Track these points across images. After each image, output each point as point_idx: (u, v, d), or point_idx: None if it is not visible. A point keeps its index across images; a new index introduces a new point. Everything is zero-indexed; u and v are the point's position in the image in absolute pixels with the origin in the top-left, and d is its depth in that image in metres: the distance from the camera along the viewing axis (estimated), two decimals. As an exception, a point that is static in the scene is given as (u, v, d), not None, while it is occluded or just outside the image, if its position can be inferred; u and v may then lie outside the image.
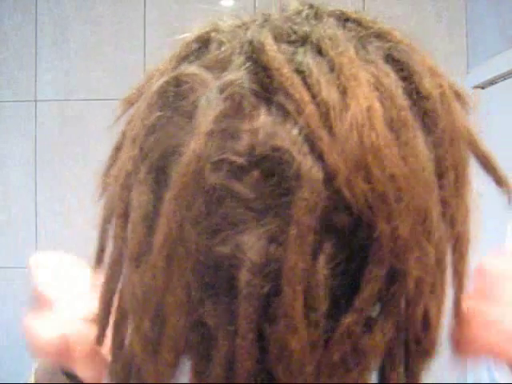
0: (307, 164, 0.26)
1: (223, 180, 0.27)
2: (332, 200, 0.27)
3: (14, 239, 1.78)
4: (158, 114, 0.30)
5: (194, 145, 0.27)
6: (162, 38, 1.67)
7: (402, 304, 0.29)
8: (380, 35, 0.31)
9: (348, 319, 0.28)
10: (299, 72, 0.28)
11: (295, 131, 0.27)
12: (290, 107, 0.27)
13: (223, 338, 0.29)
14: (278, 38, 0.29)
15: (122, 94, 0.41)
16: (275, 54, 0.28)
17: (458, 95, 0.33)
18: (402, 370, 0.31)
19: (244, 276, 0.27)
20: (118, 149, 0.35)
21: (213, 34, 0.31)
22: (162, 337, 0.29)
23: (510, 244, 1.22)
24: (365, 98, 0.27)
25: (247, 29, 0.31)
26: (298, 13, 0.31)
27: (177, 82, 0.30)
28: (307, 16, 0.31)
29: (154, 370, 0.30)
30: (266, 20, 0.32)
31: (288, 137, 0.27)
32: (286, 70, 0.28)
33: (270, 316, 0.28)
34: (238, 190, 0.27)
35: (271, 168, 0.27)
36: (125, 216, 0.31)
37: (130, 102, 0.35)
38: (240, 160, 0.27)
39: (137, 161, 0.30)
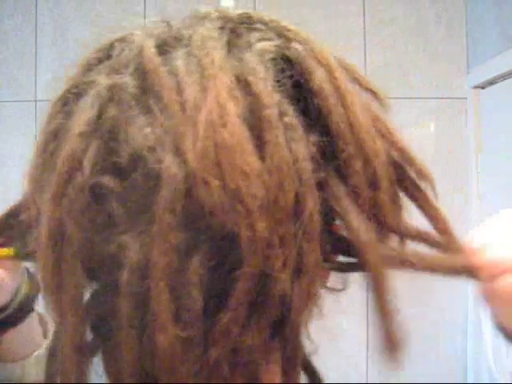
0: (167, 162, 0.26)
1: (103, 180, 0.28)
2: (198, 200, 0.27)
3: (14, 239, 1.78)
4: (56, 121, 0.32)
5: (67, 145, 0.29)
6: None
7: (274, 303, 0.28)
8: (279, 34, 0.32)
9: (224, 319, 0.28)
10: (171, 74, 0.29)
11: (159, 131, 0.27)
12: (158, 108, 0.28)
13: (112, 337, 0.29)
14: (161, 44, 0.31)
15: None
16: (152, 57, 0.29)
17: (371, 91, 0.34)
18: (278, 367, 0.31)
19: (123, 276, 0.28)
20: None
21: (116, 44, 0.32)
22: (64, 336, 0.30)
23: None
24: (219, 97, 0.27)
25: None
26: (200, 18, 0.33)
27: (75, 89, 0.31)
28: (200, 21, 0.33)
29: (64, 370, 0.30)
30: (166, 27, 0.34)
31: (154, 137, 0.27)
32: (160, 73, 0.29)
33: (146, 314, 0.28)
34: (116, 190, 0.28)
35: (143, 168, 0.27)
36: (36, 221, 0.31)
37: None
38: (119, 160, 0.28)
39: (40, 168, 0.31)
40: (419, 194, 0.34)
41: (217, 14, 0.33)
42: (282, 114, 0.29)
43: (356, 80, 0.33)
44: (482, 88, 1.68)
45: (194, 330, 0.28)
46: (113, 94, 0.29)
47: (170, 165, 0.26)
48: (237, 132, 0.27)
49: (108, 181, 0.28)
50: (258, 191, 0.27)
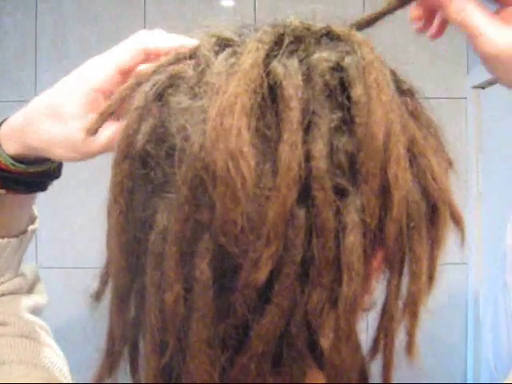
0: (191, 140, 0.30)
1: (150, 149, 0.33)
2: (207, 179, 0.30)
3: (14, 239, 1.78)
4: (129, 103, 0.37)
5: (128, 118, 0.34)
6: (161, 38, 1.67)
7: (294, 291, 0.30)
8: (346, 42, 0.35)
9: (231, 298, 0.30)
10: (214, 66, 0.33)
11: (194, 113, 0.32)
12: (199, 94, 0.33)
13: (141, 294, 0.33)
14: (221, 42, 0.35)
15: (122, 94, 0.40)
16: (206, 52, 0.35)
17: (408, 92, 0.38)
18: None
19: (151, 237, 0.32)
20: None
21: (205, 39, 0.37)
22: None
23: (509, 243, 1.22)
24: (237, 88, 0.30)
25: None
26: (270, 25, 0.36)
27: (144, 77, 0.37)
28: (267, 27, 0.35)
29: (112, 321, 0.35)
30: (236, 29, 0.37)
31: (189, 117, 0.32)
32: (208, 64, 0.34)
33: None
34: (157, 160, 0.32)
35: (178, 142, 0.32)
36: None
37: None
38: (165, 133, 0.32)
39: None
40: (435, 240, 0.35)
41: (296, 23, 0.36)
42: (306, 114, 0.30)
43: (396, 82, 0.37)
44: (482, 88, 1.68)
45: (200, 298, 0.30)
46: (173, 80, 0.34)
47: (193, 143, 0.30)
48: (237, 122, 0.29)
49: (153, 150, 0.33)
50: (244, 174, 0.29)
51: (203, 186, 0.30)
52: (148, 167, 0.33)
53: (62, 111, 0.42)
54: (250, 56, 0.32)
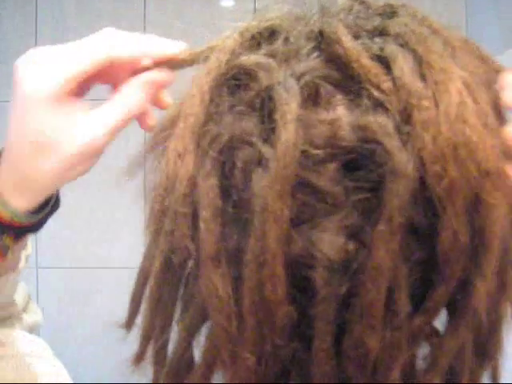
0: (402, 158, 0.25)
1: (300, 171, 0.26)
2: (417, 197, 0.25)
3: (14, 239, 1.78)
4: (216, 104, 0.29)
5: (285, 134, 0.26)
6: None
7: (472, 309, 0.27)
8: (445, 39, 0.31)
9: (418, 320, 0.27)
10: (380, 61, 0.27)
11: (387, 123, 0.26)
12: (378, 97, 0.26)
13: (299, 342, 0.27)
14: (349, 30, 0.29)
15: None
16: (350, 43, 0.28)
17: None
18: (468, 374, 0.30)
19: (321, 275, 0.26)
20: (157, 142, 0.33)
21: (277, 29, 0.30)
22: (244, 336, 0.27)
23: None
24: (457, 93, 0.26)
25: (307, 22, 0.30)
26: (352, 8, 0.31)
27: (238, 71, 0.29)
28: (377, 11, 0.31)
29: (235, 370, 0.28)
30: (325, 14, 0.31)
31: (380, 128, 0.25)
32: (365, 59, 0.27)
33: (348, 317, 0.26)
34: (314, 182, 0.26)
35: (355, 160, 0.26)
36: (191, 215, 0.28)
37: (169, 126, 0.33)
38: (318, 152, 0.26)
39: (198, 156, 0.28)
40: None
41: (364, 5, 0.31)
42: None
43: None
44: (482, 88, 1.68)
45: (401, 333, 0.27)
46: (306, 80, 0.27)
47: (406, 162, 0.25)
48: (477, 130, 0.26)
49: (304, 173, 0.26)
50: (498, 191, 0.25)
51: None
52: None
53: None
54: (439, 54, 0.28)
